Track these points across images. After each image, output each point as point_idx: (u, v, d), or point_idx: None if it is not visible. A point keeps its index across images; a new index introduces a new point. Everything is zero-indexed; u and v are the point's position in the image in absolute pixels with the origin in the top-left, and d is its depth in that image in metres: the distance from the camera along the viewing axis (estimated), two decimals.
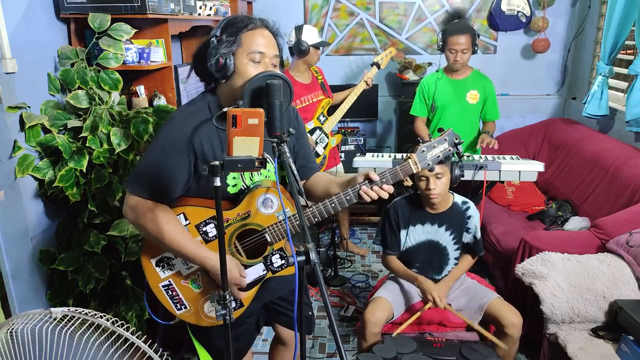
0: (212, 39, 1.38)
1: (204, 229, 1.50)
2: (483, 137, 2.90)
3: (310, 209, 1.46)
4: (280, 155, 1.25)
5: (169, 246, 1.44)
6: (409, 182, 2.89)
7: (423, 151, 1.49)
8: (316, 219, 1.46)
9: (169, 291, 1.53)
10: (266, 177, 1.57)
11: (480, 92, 3.00)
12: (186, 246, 1.43)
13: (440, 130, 2.92)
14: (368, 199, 1.42)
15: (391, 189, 1.43)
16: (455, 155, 1.52)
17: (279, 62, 1.45)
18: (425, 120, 3.16)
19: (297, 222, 1.44)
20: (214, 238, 1.51)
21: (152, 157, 1.43)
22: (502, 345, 1.97)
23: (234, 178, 1.50)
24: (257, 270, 1.54)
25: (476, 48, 2.89)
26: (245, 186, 1.52)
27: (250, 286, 1.54)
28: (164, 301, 1.54)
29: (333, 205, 1.45)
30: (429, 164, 1.49)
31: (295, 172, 1.24)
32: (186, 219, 1.48)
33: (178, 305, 1.55)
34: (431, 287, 2.09)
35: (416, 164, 1.47)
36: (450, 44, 2.86)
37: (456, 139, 1.50)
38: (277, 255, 1.54)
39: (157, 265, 1.52)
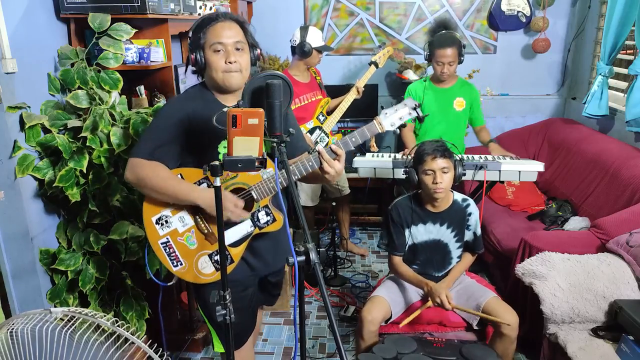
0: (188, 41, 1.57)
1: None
2: (493, 148, 2.98)
3: (281, 172, 1.56)
4: (281, 155, 1.26)
5: (164, 190, 1.55)
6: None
7: (386, 114, 1.64)
8: (282, 186, 1.59)
9: (167, 248, 1.63)
10: None
11: (466, 99, 3.06)
12: (179, 186, 1.56)
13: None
14: (325, 165, 1.53)
15: (343, 156, 1.55)
16: (416, 119, 1.66)
17: (246, 46, 1.58)
18: (412, 127, 3.16)
19: (280, 181, 1.56)
20: None
21: (151, 127, 1.63)
22: (504, 322, 1.97)
23: (224, 147, 1.57)
24: (245, 226, 1.64)
25: (462, 58, 2.95)
26: None
27: (239, 242, 1.65)
28: (162, 258, 1.63)
29: (298, 169, 1.57)
30: (392, 124, 1.63)
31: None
32: (182, 178, 1.60)
33: (175, 262, 1.63)
34: (440, 290, 2.06)
35: (380, 124, 1.63)
36: (437, 56, 2.92)
37: (415, 104, 1.64)
38: (263, 212, 1.65)
39: (156, 223, 1.62)
